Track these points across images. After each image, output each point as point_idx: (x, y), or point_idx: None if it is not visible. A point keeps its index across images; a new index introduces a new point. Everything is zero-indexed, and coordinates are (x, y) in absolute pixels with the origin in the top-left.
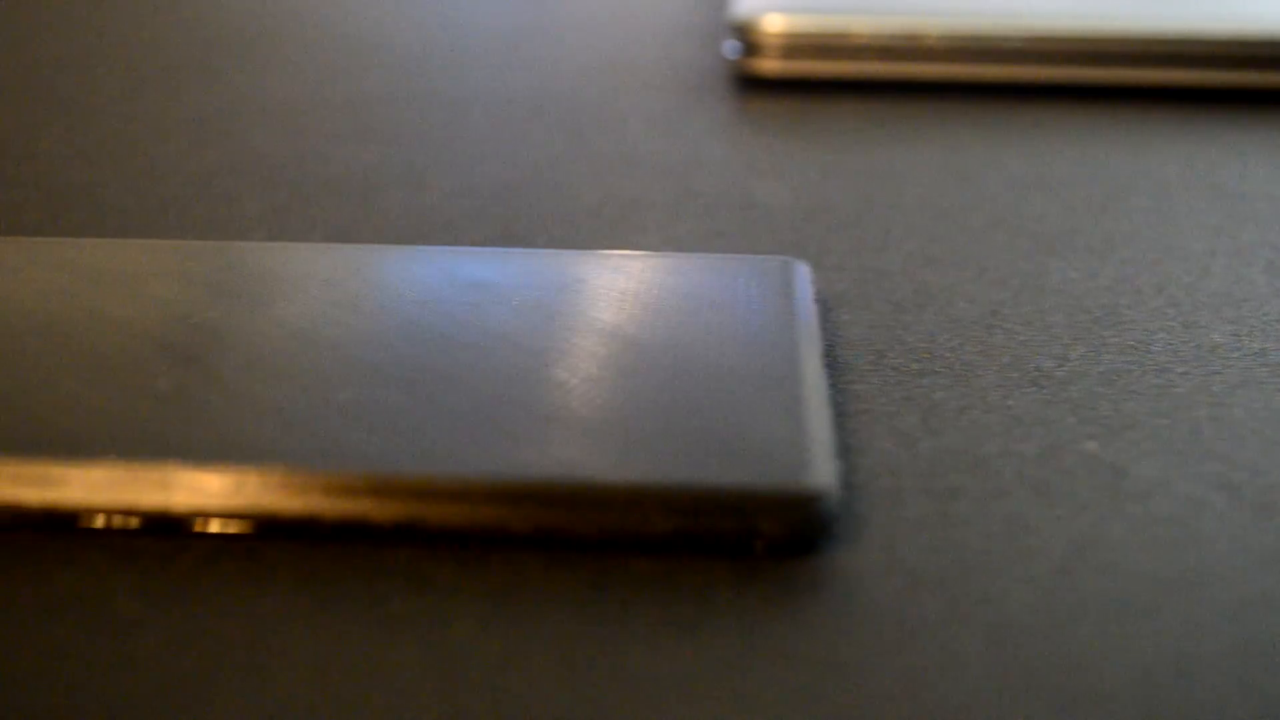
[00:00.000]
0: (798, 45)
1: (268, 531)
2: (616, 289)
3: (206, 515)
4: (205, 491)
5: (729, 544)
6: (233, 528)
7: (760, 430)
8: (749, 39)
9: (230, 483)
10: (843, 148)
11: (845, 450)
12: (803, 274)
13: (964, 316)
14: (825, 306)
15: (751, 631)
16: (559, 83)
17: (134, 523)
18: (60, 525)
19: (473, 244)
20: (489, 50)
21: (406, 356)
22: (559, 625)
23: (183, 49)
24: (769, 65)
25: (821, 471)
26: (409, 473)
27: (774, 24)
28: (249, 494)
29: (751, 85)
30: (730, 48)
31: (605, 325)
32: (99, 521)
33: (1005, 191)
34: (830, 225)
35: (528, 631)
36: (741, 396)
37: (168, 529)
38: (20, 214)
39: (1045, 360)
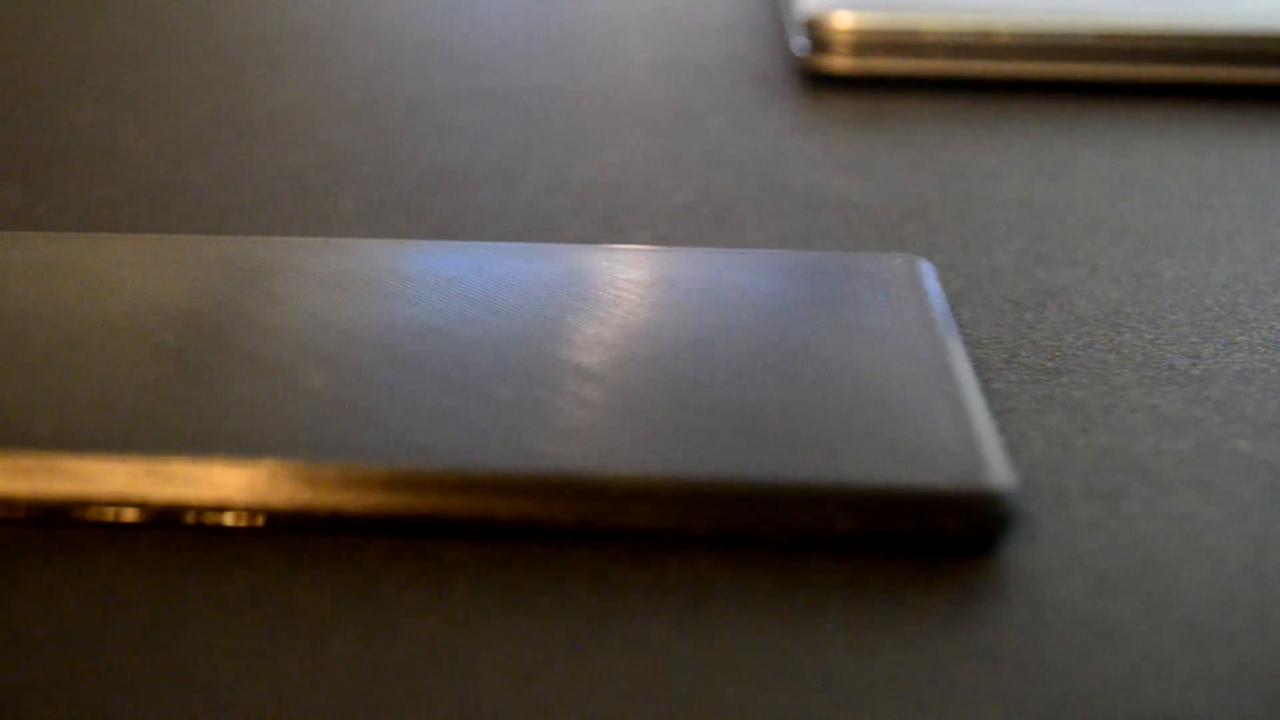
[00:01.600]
0: (867, 42)
1: (440, 532)
2: (752, 286)
3: (382, 516)
4: (385, 492)
5: (908, 543)
6: (406, 528)
7: (931, 430)
8: (818, 36)
9: (409, 484)
10: (927, 145)
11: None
12: (928, 272)
13: (1087, 315)
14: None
15: (947, 631)
16: (627, 80)
17: (303, 523)
18: (233, 526)
19: (578, 241)
20: (550, 47)
21: (562, 356)
22: (754, 626)
23: (243, 45)
24: (839, 62)
25: (1001, 470)
26: (590, 473)
27: (843, 21)
28: (429, 495)
29: (820, 82)
30: (798, 44)
31: (751, 322)
32: (259, 521)
33: (1097, 189)
34: (930, 223)
35: (724, 632)
36: (903, 395)
37: (342, 529)
38: (116, 212)
39: (1178, 359)
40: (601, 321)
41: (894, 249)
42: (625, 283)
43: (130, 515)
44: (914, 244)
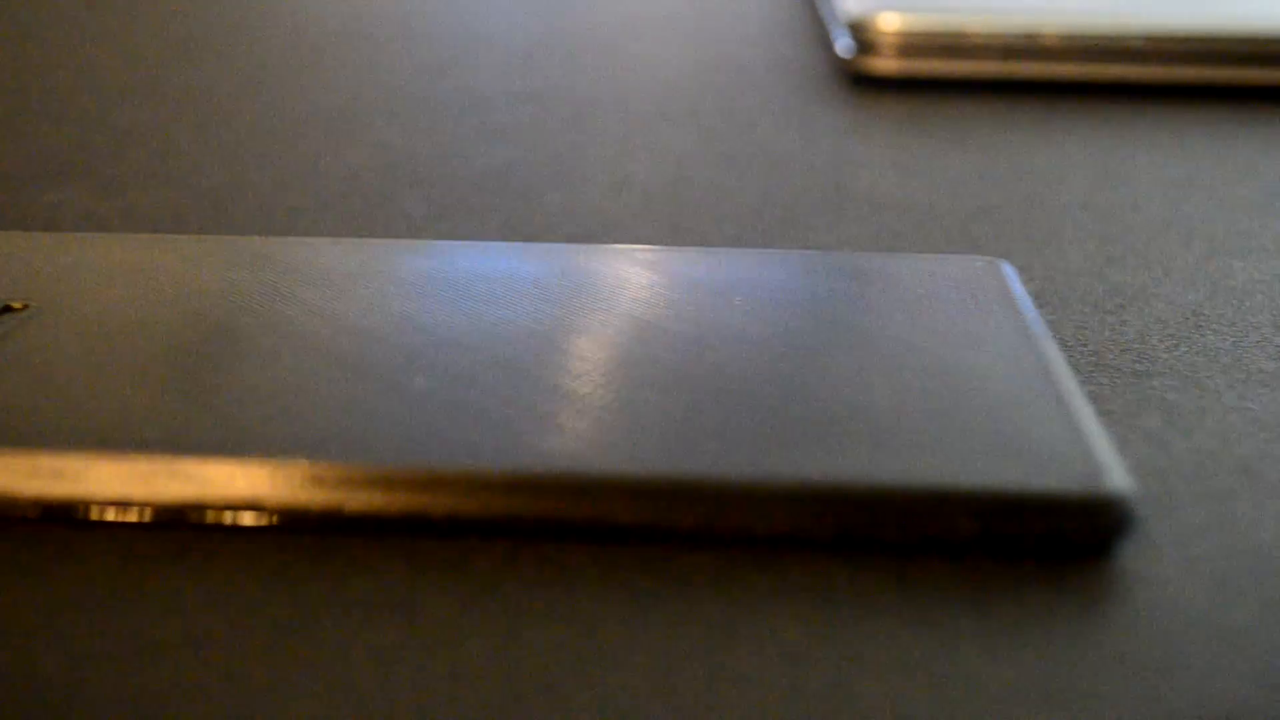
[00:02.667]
0: (914, 44)
1: (559, 535)
2: (843, 289)
3: (500, 519)
4: (505, 495)
5: (1026, 547)
6: (525, 531)
7: (1043, 433)
8: (863, 37)
9: (530, 487)
10: (981, 147)
11: None
12: (1010, 274)
13: (1167, 317)
14: None
15: (1077, 634)
16: (671, 81)
17: (419, 526)
18: (359, 528)
19: (647, 242)
20: (589, 48)
21: (665, 359)
22: (883, 628)
23: (283, 47)
24: (885, 64)
25: (1118, 473)
26: (711, 477)
27: (890, 23)
28: (549, 498)
29: (866, 84)
30: (843, 46)
31: (848, 326)
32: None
33: (1159, 192)
34: (996, 225)
35: (855, 634)
36: (1009, 399)
37: (458, 532)
38: (183, 213)
39: (1267, 362)
40: (696, 323)
41: (964, 251)
42: (713, 285)
43: (248, 519)
44: (983, 246)
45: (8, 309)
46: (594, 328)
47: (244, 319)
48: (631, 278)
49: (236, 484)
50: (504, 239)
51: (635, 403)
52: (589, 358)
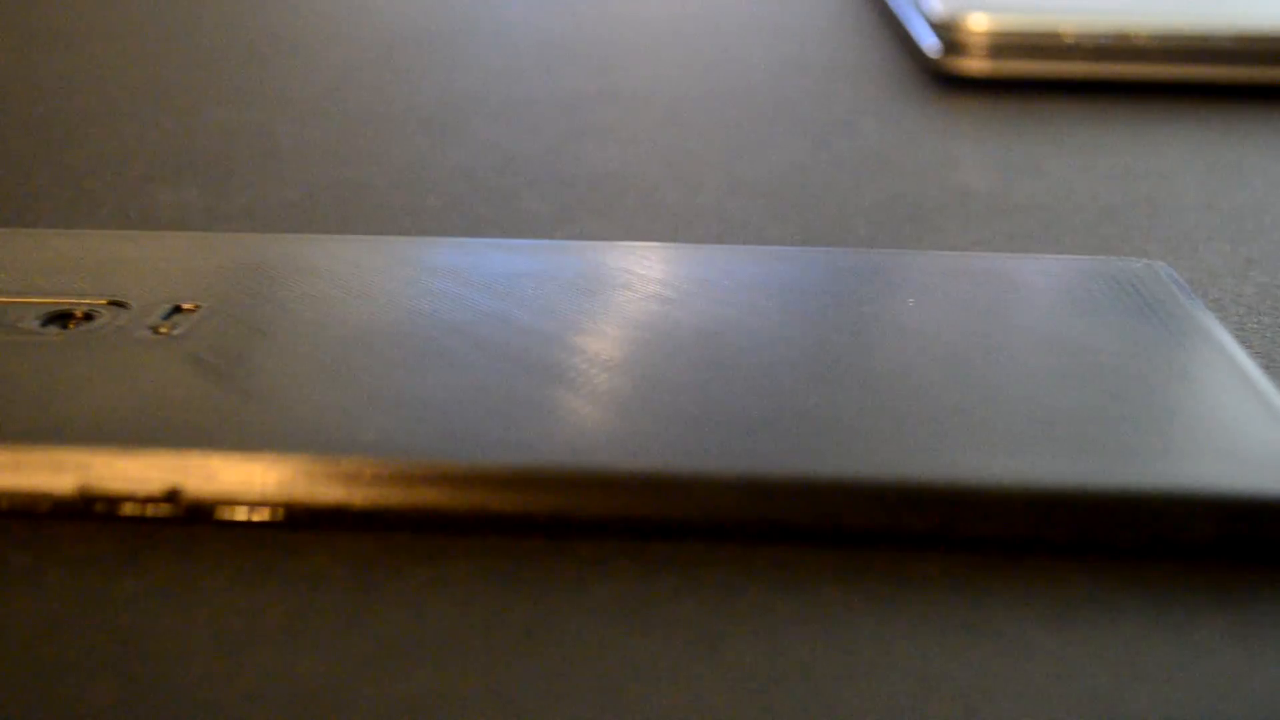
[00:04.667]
0: (1004, 44)
1: (792, 538)
2: (1016, 291)
3: (739, 522)
4: (748, 499)
5: (1259, 551)
6: (762, 535)
7: (1263, 435)
8: (951, 37)
9: (774, 490)
10: (1087, 148)
11: None
12: (1172, 276)
13: None
14: None
15: None
16: (756, 81)
17: (643, 529)
18: (581, 531)
19: (779, 243)
20: (665, 48)
21: (874, 361)
22: (1134, 631)
23: (354, 47)
24: (974, 64)
25: None
26: (949, 481)
27: (979, 23)
28: (782, 501)
29: (954, 84)
30: (930, 46)
31: (1028, 328)
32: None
33: (1278, 192)
34: (1124, 227)
35: (1105, 638)
36: (1216, 401)
37: (689, 535)
38: (302, 213)
39: None
40: (886, 326)
41: (1097, 253)
42: (871, 286)
43: (469, 523)
44: (1116, 248)
45: (178, 309)
46: (800, 329)
47: (418, 320)
48: (818, 281)
49: (461, 488)
50: (636, 239)
51: (868, 409)
52: (797, 360)
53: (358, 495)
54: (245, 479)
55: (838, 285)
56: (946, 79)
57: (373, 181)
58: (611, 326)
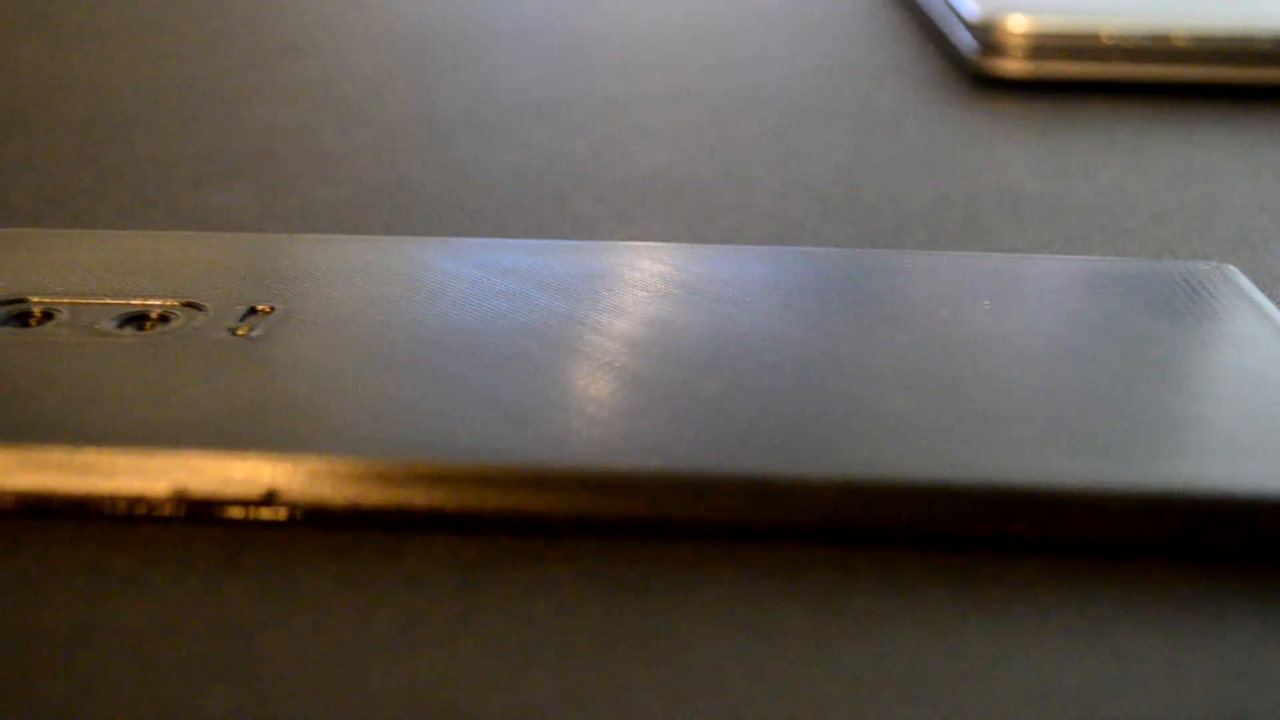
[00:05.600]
0: (1043, 45)
1: (898, 540)
2: (1080, 295)
3: (821, 526)
4: (835, 501)
5: None
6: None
7: None
8: (990, 39)
9: (862, 492)
10: (1134, 150)
11: None
12: (1242, 278)
13: None
14: None
15: None
16: (795, 81)
17: (742, 532)
18: (674, 534)
19: (838, 244)
20: (701, 49)
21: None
22: (1237, 639)
23: (391, 48)
24: (1013, 66)
25: None
26: (1049, 486)
27: (1018, 24)
28: (891, 505)
29: (993, 85)
30: (968, 47)
31: (1105, 330)
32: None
33: None
34: (1181, 229)
35: (1232, 645)
36: None
37: (785, 537)
38: (357, 213)
39: None
40: (962, 328)
41: (1159, 255)
42: (966, 291)
43: (563, 526)
44: (1177, 250)
45: (254, 311)
46: (884, 332)
47: (494, 321)
48: (894, 285)
49: (559, 491)
50: (696, 241)
51: (962, 412)
52: (885, 364)
53: (456, 498)
54: (343, 482)
55: (914, 289)
56: (984, 80)
57: (423, 182)
58: (692, 329)
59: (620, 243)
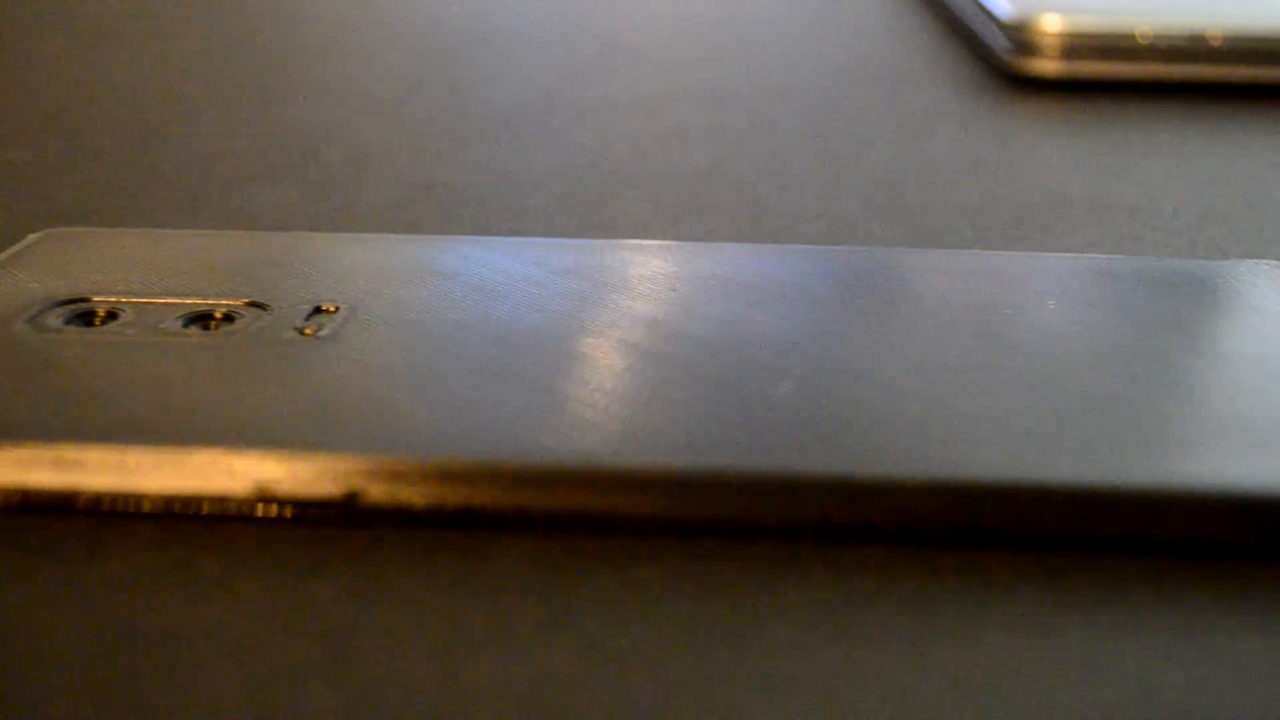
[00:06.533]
0: (1078, 45)
1: (979, 541)
2: (1144, 295)
3: (930, 528)
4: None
5: None
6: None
7: None
8: (1024, 39)
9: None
10: (1175, 150)
11: None
12: None
13: None
14: None
15: None
16: (830, 82)
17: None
18: (759, 534)
19: (889, 244)
20: (731, 49)
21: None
22: None
23: (423, 48)
24: (1047, 66)
25: None
26: (1132, 486)
27: (1052, 24)
28: (977, 505)
29: (1027, 86)
30: (1002, 47)
31: (1174, 332)
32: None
33: None
34: (1231, 229)
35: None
36: None
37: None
38: (406, 212)
39: None
40: (1027, 327)
41: (1210, 254)
42: (1029, 291)
43: (646, 526)
44: (1230, 249)
45: (319, 310)
46: (960, 333)
47: (559, 321)
48: (962, 284)
49: (643, 492)
50: (743, 240)
51: (1042, 413)
52: (967, 365)
53: (538, 499)
54: (426, 483)
55: (979, 289)
56: (1017, 80)
57: (468, 181)
58: (762, 330)
59: (679, 242)
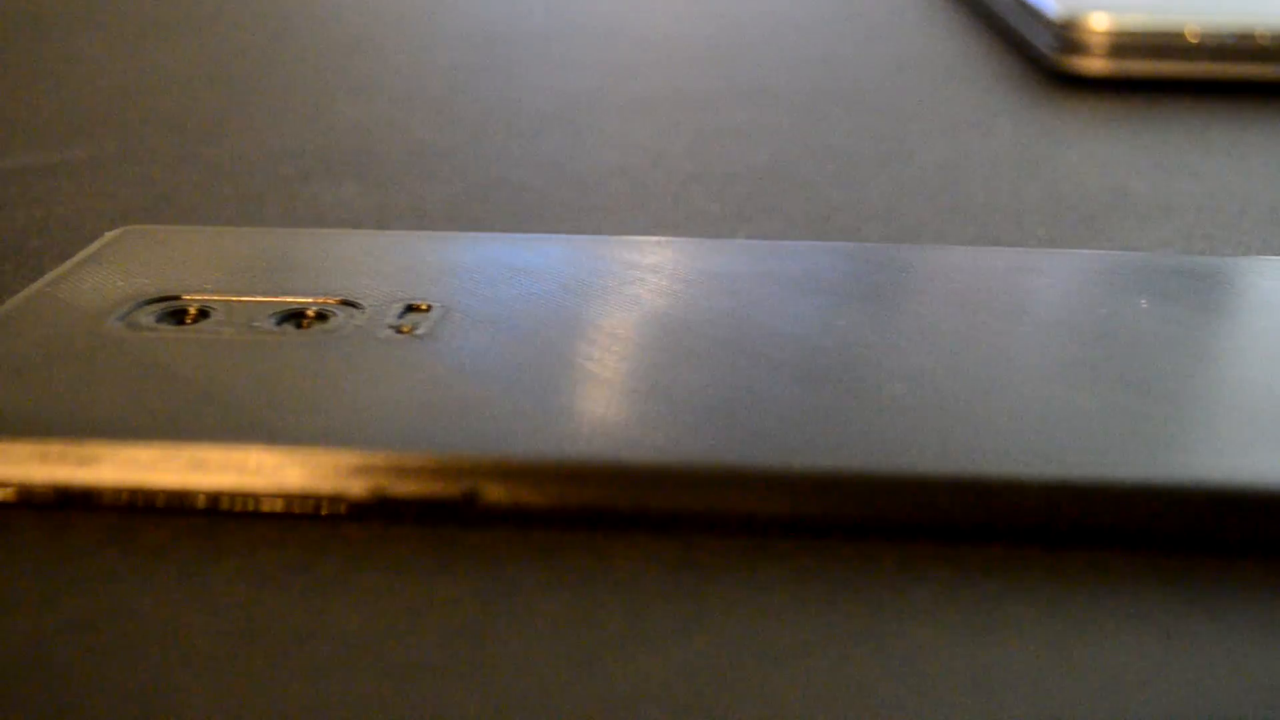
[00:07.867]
0: (1126, 44)
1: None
2: (1234, 296)
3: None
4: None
5: None
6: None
7: None
8: (1071, 36)
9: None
10: (1232, 149)
11: None
12: None
13: None
14: None
15: None
16: (873, 80)
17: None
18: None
19: (961, 243)
20: (768, 47)
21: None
22: None
23: (454, 46)
24: (1095, 64)
25: None
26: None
27: (1100, 22)
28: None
29: (1075, 84)
30: (1049, 45)
31: (1259, 333)
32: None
33: None
34: None
35: None
36: None
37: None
38: (472, 209)
39: None
40: (1105, 326)
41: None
42: (1118, 290)
43: (763, 527)
44: None
45: (412, 308)
46: (1042, 331)
47: (656, 319)
48: (1038, 283)
49: (765, 491)
50: (818, 238)
51: (1138, 411)
52: (1048, 363)
53: (660, 498)
54: (546, 482)
55: (1060, 287)
56: (1064, 78)
57: (530, 179)
58: (864, 328)
59: (760, 240)
